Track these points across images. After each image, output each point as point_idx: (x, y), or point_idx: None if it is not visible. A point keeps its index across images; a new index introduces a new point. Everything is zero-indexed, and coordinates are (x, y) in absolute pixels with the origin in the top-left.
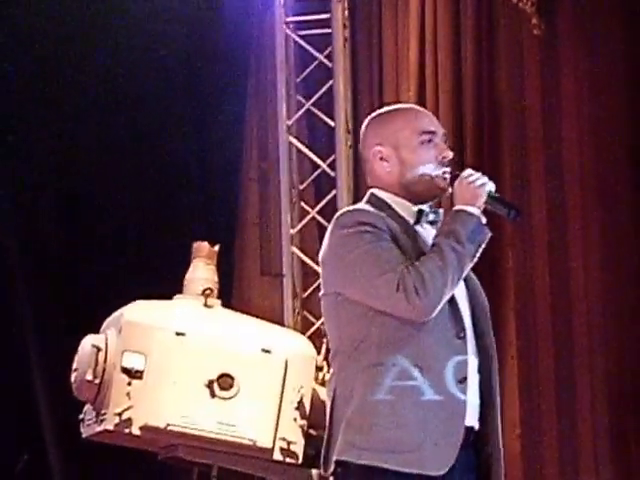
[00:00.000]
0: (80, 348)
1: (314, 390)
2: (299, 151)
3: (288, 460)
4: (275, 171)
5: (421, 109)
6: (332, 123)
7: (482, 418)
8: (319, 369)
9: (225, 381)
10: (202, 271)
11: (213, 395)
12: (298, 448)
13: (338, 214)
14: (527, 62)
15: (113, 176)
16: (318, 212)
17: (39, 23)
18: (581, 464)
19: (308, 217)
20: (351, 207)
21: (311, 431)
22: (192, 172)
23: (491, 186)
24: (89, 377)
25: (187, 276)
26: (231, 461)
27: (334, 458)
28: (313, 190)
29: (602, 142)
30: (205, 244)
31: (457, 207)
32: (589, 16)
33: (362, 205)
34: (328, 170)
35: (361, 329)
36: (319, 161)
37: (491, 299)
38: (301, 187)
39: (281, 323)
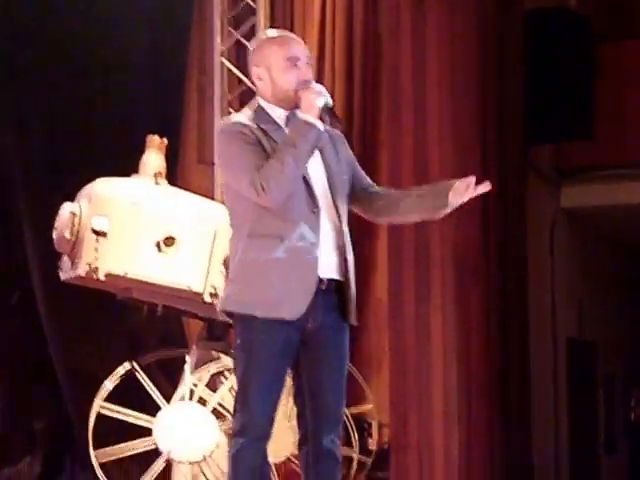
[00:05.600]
0: (60, 213)
1: None
2: (229, 70)
3: (215, 301)
4: (210, 84)
5: (291, 37)
6: None
7: (342, 271)
8: None
9: (169, 241)
10: (154, 158)
11: (160, 251)
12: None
13: (222, 123)
14: (402, 19)
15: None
16: None
17: None
18: (430, 305)
19: None
20: (231, 118)
21: None
22: (148, 85)
23: (328, 100)
24: (67, 235)
25: (142, 161)
26: (172, 301)
27: (219, 308)
28: (238, 101)
29: (456, 80)
30: (156, 137)
31: (297, 116)
32: None
33: (241, 114)
34: (250, 85)
35: (241, 207)
36: (243, 77)
37: None
38: (229, 98)
39: (212, 198)
